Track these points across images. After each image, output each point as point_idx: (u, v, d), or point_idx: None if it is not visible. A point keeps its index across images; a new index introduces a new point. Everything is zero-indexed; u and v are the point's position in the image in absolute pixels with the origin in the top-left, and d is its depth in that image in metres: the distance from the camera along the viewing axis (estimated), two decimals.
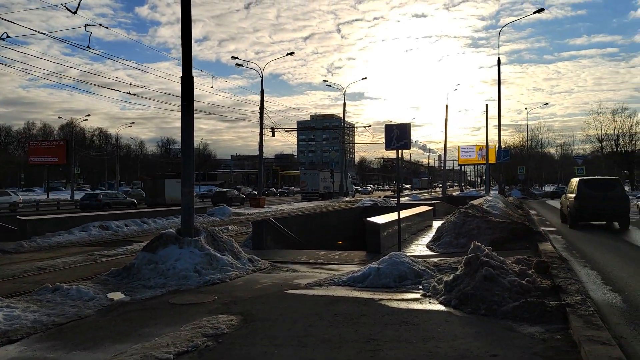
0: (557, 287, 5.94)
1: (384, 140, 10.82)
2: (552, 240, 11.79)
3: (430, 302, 5.98)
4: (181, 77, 8.75)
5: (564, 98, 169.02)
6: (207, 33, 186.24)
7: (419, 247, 11.56)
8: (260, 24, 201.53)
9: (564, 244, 12.05)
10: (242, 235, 15.16)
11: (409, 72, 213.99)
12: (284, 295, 6.70)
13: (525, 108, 75.15)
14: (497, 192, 45.27)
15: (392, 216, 12.48)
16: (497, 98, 28.73)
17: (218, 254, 8.57)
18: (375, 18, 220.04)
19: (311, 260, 9.70)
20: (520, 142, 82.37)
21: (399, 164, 10.80)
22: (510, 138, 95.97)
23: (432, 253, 10.49)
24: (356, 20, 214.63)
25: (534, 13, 29.22)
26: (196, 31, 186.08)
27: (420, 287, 6.76)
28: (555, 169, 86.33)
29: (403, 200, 37.54)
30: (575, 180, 17.20)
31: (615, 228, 15.61)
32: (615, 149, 67.10)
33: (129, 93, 33.16)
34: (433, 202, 23.40)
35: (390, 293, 6.56)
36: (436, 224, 17.99)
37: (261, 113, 31.77)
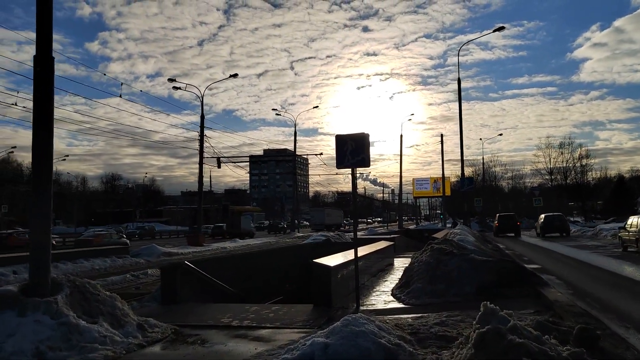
0: None
1: (336, 167, 8.28)
2: (550, 283, 9.44)
3: None
4: (34, 56, 5.92)
5: (509, 134, 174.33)
6: (160, 69, 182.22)
7: (383, 296, 8.91)
8: (213, 61, 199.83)
9: (566, 286, 9.77)
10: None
11: (362, 108, 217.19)
12: None
13: (480, 139, 75.67)
14: (451, 225, 43.88)
15: (347, 255, 9.86)
16: (457, 129, 27.15)
17: (83, 323, 5.58)
18: (328, 56, 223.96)
19: (235, 322, 6.83)
20: (471, 174, 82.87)
21: (355, 185, 8.24)
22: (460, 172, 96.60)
23: (402, 305, 7.86)
24: (309, 57, 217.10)
25: (494, 31, 27.98)
26: (149, 67, 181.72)
27: None
28: (506, 201, 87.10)
29: (359, 234, 35.15)
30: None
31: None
32: (564, 181, 68.35)
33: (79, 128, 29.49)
34: (392, 236, 20.96)
35: None
36: (398, 263, 15.52)
37: (201, 139, 28.84)
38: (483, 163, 65.49)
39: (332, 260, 8.74)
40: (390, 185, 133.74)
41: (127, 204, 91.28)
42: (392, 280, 11.13)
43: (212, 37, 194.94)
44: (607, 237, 24.61)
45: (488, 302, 4.05)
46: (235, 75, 31.36)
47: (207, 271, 9.77)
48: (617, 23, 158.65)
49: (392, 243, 16.04)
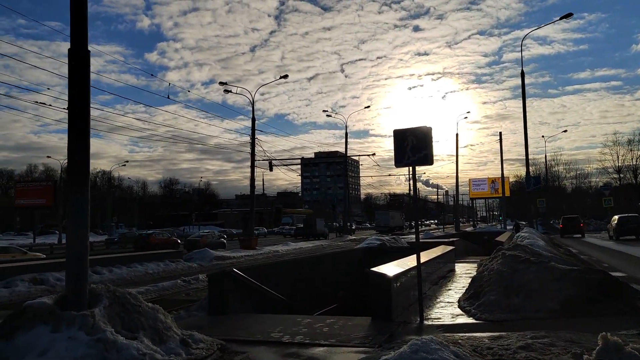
0: None
1: (395, 166, 7.49)
2: None
3: None
4: (69, 50, 5.52)
5: (571, 131, 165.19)
6: (214, 76, 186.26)
7: (449, 308, 8.00)
8: (265, 66, 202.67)
9: None
10: None
11: (413, 109, 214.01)
12: None
13: (542, 136, 72.22)
14: (513, 227, 41.61)
15: (406, 262, 9.03)
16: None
17: (122, 339, 5.09)
18: (378, 57, 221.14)
19: (286, 338, 6.18)
20: (532, 174, 78.96)
21: (415, 185, 7.40)
22: (519, 172, 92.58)
23: (472, 321, 6.94)
24: (359, 59, 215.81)
25: (561, 18, 25.87)
26: (203, 74, 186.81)
27: None
28: (570, 202, 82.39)
29: (411, 238, 33.83)
30: None
31: None
32: (634, 180, 63.84)
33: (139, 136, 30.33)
34: (451, 239, 19.77)
35: None
36: (459, 269, 14.45)
37: (252, 142, 28.69)
38: (546, 161, 62.25)
39: (391, 268, 7.93)
40: (444, 187, 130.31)
41: (184, 208, 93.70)
42: (456, 289, 10.18)
43: (263, 43, 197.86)
44: None
45: (608, 334, 3.16)
46: (285, 76, 31.15)
47: (257, 278, 9.22)
48: None
49: (452, 247, 14.96)
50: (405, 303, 7.75)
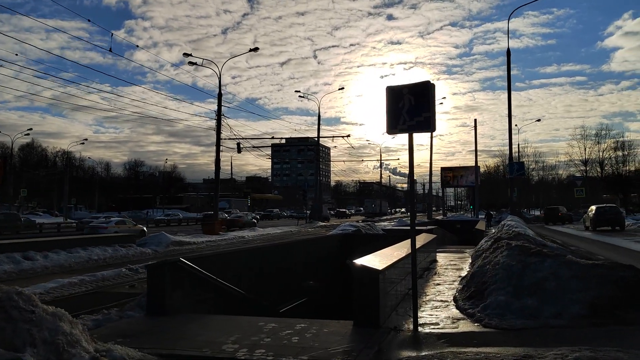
0: None
1: (387, 132, 5.98)
2: None
3: None
4: None
5: (535, 124, 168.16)
6: (184, 58, 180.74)
7: (444, 310, 6.58)
8: (237, 49, 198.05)
9: None
10: None
11: (385, 98, 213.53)
12: None
13: (516, 125, 72.38)
14: (484, 217, 41.09)
15: (389, 253, 7.62)
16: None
17: None
18: (351, 44, 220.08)
19: (241, 354, 4.61)
20: (496, 165, 79.58)
21: (412, 155, 5.89)
22: (488, 162, 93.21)
23: (481, 328, 5.53)
24: (333, 46, 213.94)
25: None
26: (172, 55, 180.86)
27: None
28: (537, 193, 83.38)
29: (385, 225, 32.59)
30: None
31: None
32: (600, 173, 64.83)
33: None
34: (429, 227, 18.50)
35: None
36: (441, 259, 13.19)
37: (218, 118, 26.63)
38: (518, 151, 62.25)
39: (377, 260, 6.46)
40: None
41: (149, 191, 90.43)
42: (446, 284, 8.83)
43: (235, 26, 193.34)
44: None
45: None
46: (256, 49, 28.94)
47: (212, 268, 7.62)
48: None
49: (434, 236, 13.65)
50: (392, 302, 6.32)
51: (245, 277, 9.02)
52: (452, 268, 11.30)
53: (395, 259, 6.70)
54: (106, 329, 5.64)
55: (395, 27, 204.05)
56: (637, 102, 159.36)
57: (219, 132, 26.68)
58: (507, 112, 23.15)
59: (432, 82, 5.64)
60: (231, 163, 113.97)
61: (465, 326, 5.65)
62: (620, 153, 59.07)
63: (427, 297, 7.61)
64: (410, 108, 5.66)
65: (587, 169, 66.80)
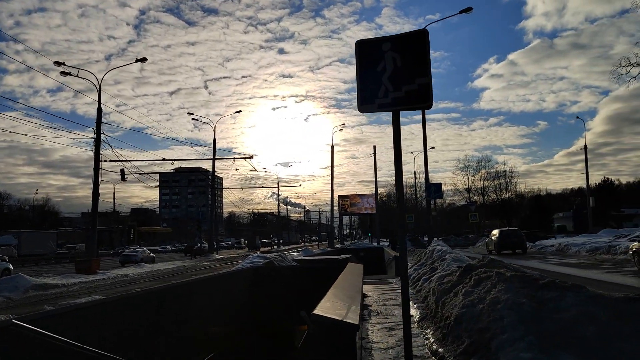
0: None
1: (359, 110, 3.98)
2: None
3: None
4: None
5: (417, 156, 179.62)
6: (62, 83, 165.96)
7: None
8: (122, 77, 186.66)
9: None
10: None
11: (277, 129, 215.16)
12: None
13: (411, 152, 75.80)
14: (389, 244, 40.68)
15: (339, 292, 5.52)
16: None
17: None
18: (243, 76, 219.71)
19: None
20: (387, 194, 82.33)
21: (399, 150, 3.93)
22: (379, 191, 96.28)
23: None
24: (224, 77, 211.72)
25: (460, 12, 24.33)
26: (49, 81, 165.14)
27: None
28: (426, 219, 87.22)
29: (295, 255, 30.33)
30: None
31: None
32: (482, 200, 69.38)
33: None
34: (344, 256, 16.65)
35: None
36: (372, 292, 11.38)
37: (97, 136, 22.72)
38: (415, 177, 64.31)
39: (337, 306, 4.31)
40: (305, 206, 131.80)
41: (18, 226, 79.57)
42: (399, 327, 6.88)
43: (120, 52, 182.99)
44: (582, 253, 22.16)
45: None
46: (143, 60, 25.53)
47: (75, 327, 4.88)
48: (511, 56, 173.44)
49: (362, 265, 11.79)
50: None
51: (129, 334, 6.30)
52: (390, 304, 9.49)
53: (359, 303, 4.61)
54: None
55: (287, 61, 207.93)
56: (503, 137, 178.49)
57: (97, 152, 22.65)
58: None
59: (425, 29, 3.76)
60: (114, 195, 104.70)
61: None
62: (502, 181, 63.97)
63: (391, 352, 5.57)
64: (396, 71, 3.71)
65: (470, 195, 71.17)
